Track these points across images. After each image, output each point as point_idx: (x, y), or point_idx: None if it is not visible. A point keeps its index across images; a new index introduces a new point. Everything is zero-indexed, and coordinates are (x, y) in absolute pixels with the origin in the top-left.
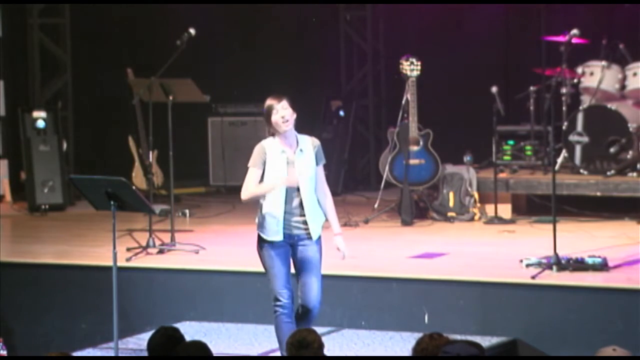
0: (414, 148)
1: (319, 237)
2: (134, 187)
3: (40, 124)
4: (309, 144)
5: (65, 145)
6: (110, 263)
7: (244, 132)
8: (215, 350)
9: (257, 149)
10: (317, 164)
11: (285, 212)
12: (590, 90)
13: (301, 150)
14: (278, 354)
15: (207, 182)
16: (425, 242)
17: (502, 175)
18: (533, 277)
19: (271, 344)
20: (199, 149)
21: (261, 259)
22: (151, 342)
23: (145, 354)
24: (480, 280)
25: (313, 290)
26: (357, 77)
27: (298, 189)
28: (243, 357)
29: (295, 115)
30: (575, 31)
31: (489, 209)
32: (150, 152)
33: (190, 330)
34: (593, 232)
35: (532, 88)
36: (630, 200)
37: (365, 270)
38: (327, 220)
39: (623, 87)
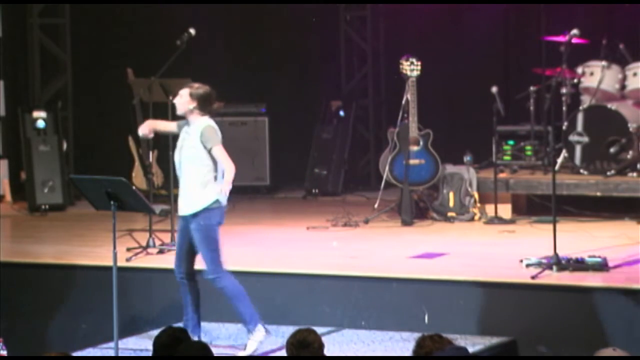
0: (414, 148)
1: (195, 215)
2: (134, 187)
3: (40, 124)
4: (198, 128)
5: (65, 145)
6: (110, 263)
7: (244, 132)
8: (216, 351)
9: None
10: (205, 146)
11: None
12: (590, 90)
13: (187, 132)
14: (278, 354)
15: None
16: (425, 242)
17: (502, 175)
18: (533, 277)
19: (271, 344)
20: None
21: None
22: (157, 342)
23: (145, 353)
24: (480, 280)
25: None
26: (357, 77)
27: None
28: (243, 357)
29: (182, 102)
30: (575, 31)
31: (489, 209)
32: (150, 152)
33: None
34: (593, 232)
35: (532, 88)
36: (630, 200)
37: (365, 270)
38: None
39: (623, 87)
